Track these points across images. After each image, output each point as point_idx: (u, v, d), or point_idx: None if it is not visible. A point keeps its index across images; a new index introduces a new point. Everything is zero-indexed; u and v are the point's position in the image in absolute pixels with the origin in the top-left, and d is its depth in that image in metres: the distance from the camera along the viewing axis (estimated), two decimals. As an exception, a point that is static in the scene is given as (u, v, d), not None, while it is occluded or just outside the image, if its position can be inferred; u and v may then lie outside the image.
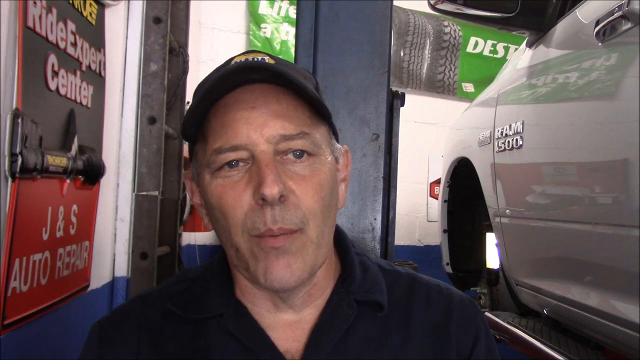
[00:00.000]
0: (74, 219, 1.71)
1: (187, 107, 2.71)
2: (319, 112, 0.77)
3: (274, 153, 0.72)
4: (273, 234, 0.71)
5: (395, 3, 1.58)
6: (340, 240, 0.85)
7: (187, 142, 0.84)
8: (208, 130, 0.75)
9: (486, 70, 4.99)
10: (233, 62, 0.77)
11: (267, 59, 0.76)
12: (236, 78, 0.73)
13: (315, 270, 0.75)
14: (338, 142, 0.83)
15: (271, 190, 0.69)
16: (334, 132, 0.82)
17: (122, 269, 2.23)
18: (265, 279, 0.72)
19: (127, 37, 2.25)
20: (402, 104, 1.44)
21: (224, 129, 0.73)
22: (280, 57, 0.81)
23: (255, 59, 0.76)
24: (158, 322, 0.80)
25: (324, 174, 0.75)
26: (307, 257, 0.73)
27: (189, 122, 0.75)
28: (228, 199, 0.72)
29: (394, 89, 1.47)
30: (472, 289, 2.66)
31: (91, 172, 1.76)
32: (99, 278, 2.05)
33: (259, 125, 0.72)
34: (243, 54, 0.78)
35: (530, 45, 2.00)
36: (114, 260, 2.21)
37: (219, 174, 0.73)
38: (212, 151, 0.73)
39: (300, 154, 0.74)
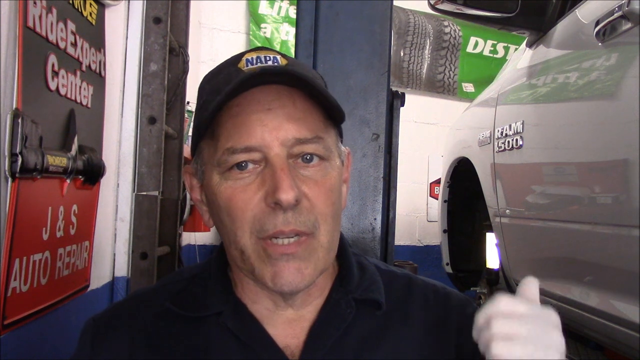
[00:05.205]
0: (74, 219, 1.71)
1: (188, 107, 2.72)
2: (331, 116, 0.76)
3: (287, 156, 0.71)
4: (283, 235, 0.70)
5: (395, 3, 1.58)
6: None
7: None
8: (219, 128, 0.73)
9: (486, 70, 5.00)
10: (244, 58, 0.75)
11: (279, 58, 0.75)
12: (257, 80, 0.72)
13: (322, 272, 0.76)
14: (342, 144, 0.82)
15: (287, 195, 0.68)
16: (340, 135, 0.81)
17: (122, 269, 2.23)
18: (274, 283, 0.71)
19: (127, 37, 2.25)
20: (402, 104, 1.44)
21: (237, 129, 0.71)
22: None
23: (268, 58, 0.74)
24: (154, 321, 0.79)
25: (334, 178, 0.75)
26: (318, 262, 0.73)
27: (205, 120, 0.73)
28: (238, 202, 0.71)
29: (394, 89, 1.47)
30: (472, 289, 2.66)
31: (91, 172, 1.76)
32: (99, 278, 2.05)
33: (274, 128, 0.71)
34: (254, 50, 0.76)
35: (530, 45, 2.00)
36: (114, 260, 2.21)
37: (230, 176, 0.72)
38: (224, 150, 0.72)
39: (310, 157, 0.73)
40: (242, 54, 0.77)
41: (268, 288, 0.73)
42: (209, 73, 0.80)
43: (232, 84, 0.70)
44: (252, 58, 0.75)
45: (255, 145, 0.71)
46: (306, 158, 0.73)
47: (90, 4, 1.79)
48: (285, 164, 0.71)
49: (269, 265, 0.71)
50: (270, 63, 0.74)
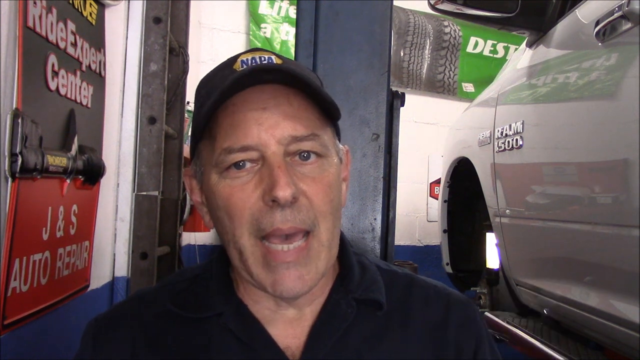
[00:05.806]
0: (74, 219, 1.71)
1: (188, 107, 2.72)
2: (327, 114, 0.77)
3: (284, 154, 0.72)
4: (282, 232, 0.70)
5: (395, 3, 1.58)
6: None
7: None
8: (216, 129, 0.74)
9: (486, 70, 4.99)
10: (239, 60, 0.76)
11: (274, 58, 0.76)
12: (250, 79, 0.72)
13: (325, 273, 0.76)
14: (340, 143, 0.83)
15: (284, 192, 0.68)
16: (337, 133, 0.82)
17: (122, 269, 2.23)
18: (274, 289, 0.72)
19: (127, 37, 2.25)
20: (402, 104, 1.44)
21: (234, 129, 0.72)
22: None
23: (262, 58, 0.75)
24: (155, 322, 0.79)
25: (332, 175, 0.75)
26: (319, 264, 0.73)
27: (202, 120, 0.74)
28: (236, 201, 0.72)
29: (394, 89, 1.47)
30: (472, 289, 2.66)
31: (91, 172, 1.76)
32: (99, 278, 2.05)
33: (270, 127, 0.71)
34: (249, 52, 0.77)
35: (530, 45, 2.00)
36: (114, 260, 2.21)
37: (228, 175, 0.73)
38: (221, 150, 0.72)
39: (307, 155, 0.73)
40: (237, 56, 0.77)
41: (268, 293, 0.74)
42: (205, 77, 0.81)
43: (226, 83, 0.71)
44: (247, 59, 0.75)
45: (252, 145, 0.71)
46: (303, 155, 0.73)
47: (90, 4, 1.79)
48: (282, 162, 0.71)
49: (269, 272, 0.72)
50: (265, 63, 0.74)
